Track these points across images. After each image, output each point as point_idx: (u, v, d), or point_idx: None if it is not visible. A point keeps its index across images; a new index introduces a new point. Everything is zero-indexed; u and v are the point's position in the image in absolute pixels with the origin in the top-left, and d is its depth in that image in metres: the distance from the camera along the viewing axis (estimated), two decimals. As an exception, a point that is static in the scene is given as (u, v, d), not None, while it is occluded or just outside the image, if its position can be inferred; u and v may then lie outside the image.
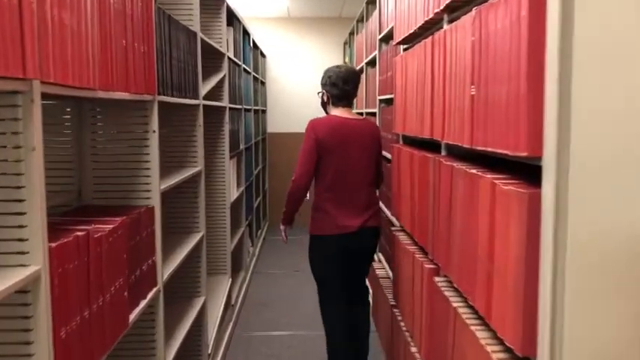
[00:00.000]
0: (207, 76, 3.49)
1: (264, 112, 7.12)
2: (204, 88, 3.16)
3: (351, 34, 6.48)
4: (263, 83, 7.14)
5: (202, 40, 2.91)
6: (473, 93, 1.57)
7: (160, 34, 2.04)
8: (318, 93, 3.05)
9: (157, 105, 1.96)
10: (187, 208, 2.82)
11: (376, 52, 3.95)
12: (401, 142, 2.98)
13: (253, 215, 5.70)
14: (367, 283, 3.24)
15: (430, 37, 2.08)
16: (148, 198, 1.92)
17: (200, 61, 2.82)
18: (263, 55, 7.16)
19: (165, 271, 2.09)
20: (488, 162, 1.70)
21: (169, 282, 2.16)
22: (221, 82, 3.75)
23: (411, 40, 2.73)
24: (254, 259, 5.55)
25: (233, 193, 4.09)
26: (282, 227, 3.04)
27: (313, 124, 2.83)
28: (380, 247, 3.86)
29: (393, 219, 3.09)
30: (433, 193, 2.04)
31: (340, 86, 2.91)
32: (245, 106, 4.97)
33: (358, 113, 5.04)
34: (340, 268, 2.85)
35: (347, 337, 2.87)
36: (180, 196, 2.80)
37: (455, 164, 1.76)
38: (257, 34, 6.73)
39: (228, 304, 3.76)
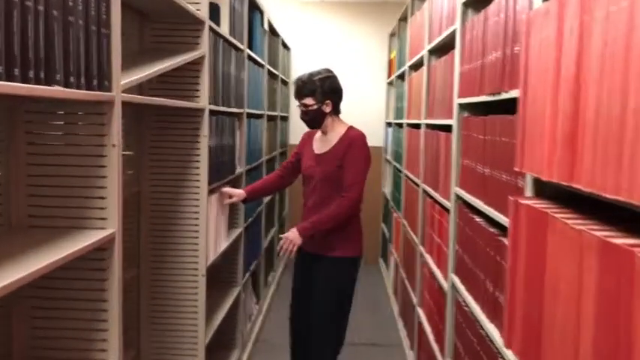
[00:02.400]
0: (156, 56, 2.04)
1: (284, 119, 5.61)
2: (133, 73, 1.69)
3: (402, 20, 4.93)
4: (285, 83, 5.63)
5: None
6: None
7: None
8: (312, 105, 2.68)
9: None
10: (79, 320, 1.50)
11: (455, 25, 2.39)
12: (529, 192, 1.43)
13: (262, 257, 4.18)
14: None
15: None
16: None
17: (118, 20, 1.36)
18: (286, 47, 5.65)
19: None
20: None
21: None
22: (195, 67, 2.27)
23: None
24: (258, 321, 4.02)
25: (214, 249, 2.59)
26: (300, 241, 2.63)
27: (365, 138, 2.74)
28: None
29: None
30: None
31: (340, 91, 2.76)
32: (250, 110, 3.46)
33: (412, 125, 3.92)
34: None
35: None
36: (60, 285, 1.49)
37: None
38: (279, 22, 5.23)
39: None
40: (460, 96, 2.28)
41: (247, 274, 3.53)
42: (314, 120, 2.70)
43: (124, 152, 2.36)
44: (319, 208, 2.67)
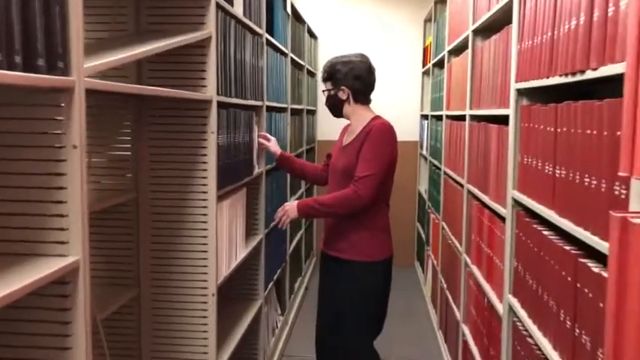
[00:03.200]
0: (150, 39, 1.71)
1: (311, 112, 5.24)
2: (110, 56, 1.35)
3: (439, 2, 4.50)
4: (312, 74, 5.26)
5: None
6: None
7: None
8: (330, 90, 2.52)
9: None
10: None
11: (512, -5, 1.98)
12: (638, 205, 1.03)
13: (287, 264, 3.83)
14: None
15: None
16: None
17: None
18: (313, 36, 5.27)
19: None
20: None
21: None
22: (200, 52, 1.92)
23: None
24: (283, 334, 3.67)
25: (228, 262, 2.24)
26: (295, 215, 2.41)
27: (391, 128, 2.42)
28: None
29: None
30: None
31: (366, 78, 2.49)
32: (271, 103, 3.11)
33: (453, 117, 3.53)
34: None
35: None
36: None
37: None
38: (304, 8, 4.85)
39: None
40: (519, 80, 1.87)
41: (270, 284, 3.18)
42: (331, 106, 2.55)
43: (120, 152, 2.07)
44: None
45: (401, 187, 5.60)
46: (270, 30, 3.19)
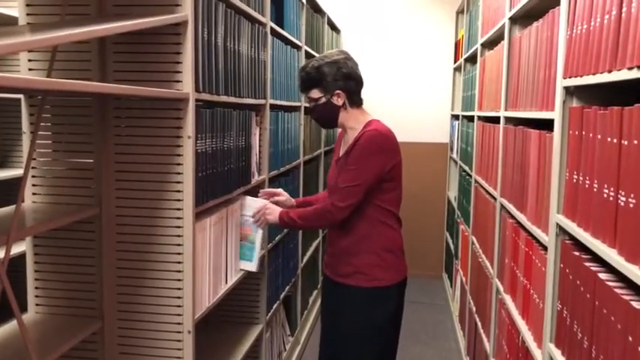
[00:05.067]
0: (106, 23, 1.39)
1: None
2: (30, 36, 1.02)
3: (472, -10, 4.09)
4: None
5: None
6: None
7: None
8: (320, 98, 2.11)
9: None
10: None
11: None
12: None
13: (299, 278, 3.48)
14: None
15: None
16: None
17: None
18: (335, 29, 4.91)
19: None
20: None
21: None
22: (174, 40, 1.59)
23: None
24: (293, 356, 3.33)
25: (212, 291, 1.89)
26: (276, 220, 2.17)
27: (383, 135, 2.05)
28: None
29: None
30: None
31: (357, 76, 2.14)
32: (278, 101, 2.76)
33: (486, 118, 3.14)
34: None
35: None
36: None
37: None
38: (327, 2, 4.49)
39: None
40: (568, 75, 1.47)
41: (276, 305, 2.84)
42: (325, 117, 2.16)
43: (80, 160, 1.74)
44: (339, 234, 2.14)
45: (429, 192, 5.21)
46: (279, 19, 2.84)
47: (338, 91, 2.09)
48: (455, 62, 5.01)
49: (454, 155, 4.68)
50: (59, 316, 1.68)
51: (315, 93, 2.11)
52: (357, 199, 2.02)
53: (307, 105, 2.26)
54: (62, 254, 1.67)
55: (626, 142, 1.10)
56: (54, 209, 1.58)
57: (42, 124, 1.64)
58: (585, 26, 1.34)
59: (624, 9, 1.11)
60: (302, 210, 2.17)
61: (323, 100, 2.10)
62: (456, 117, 4.71)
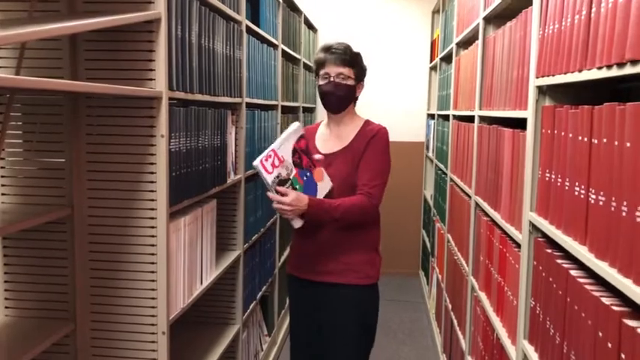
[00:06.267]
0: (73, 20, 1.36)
1: (310, 110, 4.87)
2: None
3: (447, -10, 4.12)
4: (310, 69, 4.88)
5: None
6: None
7: None
8: (350, 78, 2.09)
9: None
10: None
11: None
12: None
13: (276, 278, 3.47)
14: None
15: None
16: None
17: None
18: (312, 28, 4.90)
19: None
20: None
21: None
22: (147, 37, 1.57)
23: None
24: (271, 354, 3.31)
25: (188, 291, 1.87)
26: (301, 212, 1.93)
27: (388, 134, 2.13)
28: None
29: None
30: None
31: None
32: (255, 100, 2.74)
33: (461, 117, 3.16)
34: None
35: None
36: None
37: None
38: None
39: None
40: (540, 75, 1.49)
41: (252, 305, 2.83)
42: (342, 99, 2.09)
43: (51, 159, 1.71)
44: (331, 230, 2.07)
45: (405, 190, 5.23)
46: (255, 18, 2.83)
47: (362, 83, 2.15)
48: (431, 61, 5.04)
49: (430, 154, 4.71)
50: (30, 319, 1.65)
51: (349, 72, 2.08)
52: (383, 194, 2.06)
53: (325, 80, 2.08)
54: (33, 255, 1.64)
55: (596, 141, 1.12)
56: (24, 210, 1.55)
57: (11, 122, 1.61)
58: (557, 26, 1.36)
59: (594, 9, 1.12)
60: (336, 203, 1.98)
61: (351, 82, 2.09)
62: (431, 116, 4.74)
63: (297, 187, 1.96)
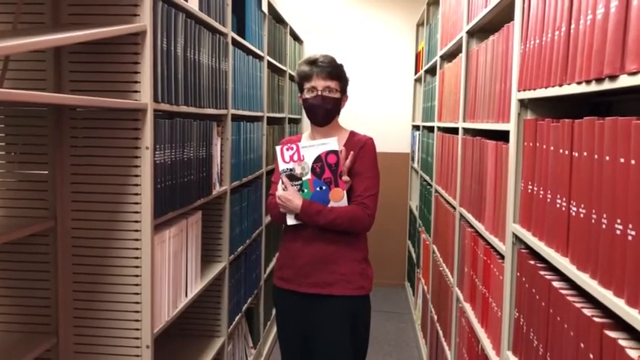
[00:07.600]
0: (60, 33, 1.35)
1: (295, 121, 4.88)
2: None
3: (432, 3, 4.17)
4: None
5: None
6: None
7: None
8: (336, 91, 2.11)
9: None
10: None
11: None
12: None
13: (262, 290, 3.46)
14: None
15: None
16: None
17: None
18: (298, 40, 4.93)
19: None
20: None
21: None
22: (132, 50, 1.57)
23: None
24: (256, 368, 3.30)
25: (172, 304, 1.86)
26: (297, 210, 2.01)
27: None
28: None
29: None
30: None
31: None
32: (240, 112, 2.75)
33: (445, 129, 3.19)
34: None
35: None
36: None
37: None
38: (288, 11, 4.51)
39: None
40: (522, 88, 1.51)
41: (238, 317, 2.81)
42: (329, 111, 2.11)
43: (34, 171, 1.69)
44: (323, 241, 2.07)
45: (391, 200, 5.25)
46: (240, 30, 2.84)
47: (346, 95, 2.17)
48: (415, 74, 5.08)
49: (415, 165, 4.74)
50: (12, 332, 1.63)
51: (336, 85, 2.10)
52: (377, 204, 2.11)
53: (313, 94, 2.07)
54: (15, 269, 1.62)
55: (576, 154, 1.13)
56: (7, 222, 1.53)
57: (-6, 134, 1.60)
58: (537, 41, 1.38)
59: (573, 26, 1.15)
60: (329, 209, 2.02)
61: (337, 95, 2.11)
62: (416, 127, 4.78)
63: (306, 191, 2.02)
